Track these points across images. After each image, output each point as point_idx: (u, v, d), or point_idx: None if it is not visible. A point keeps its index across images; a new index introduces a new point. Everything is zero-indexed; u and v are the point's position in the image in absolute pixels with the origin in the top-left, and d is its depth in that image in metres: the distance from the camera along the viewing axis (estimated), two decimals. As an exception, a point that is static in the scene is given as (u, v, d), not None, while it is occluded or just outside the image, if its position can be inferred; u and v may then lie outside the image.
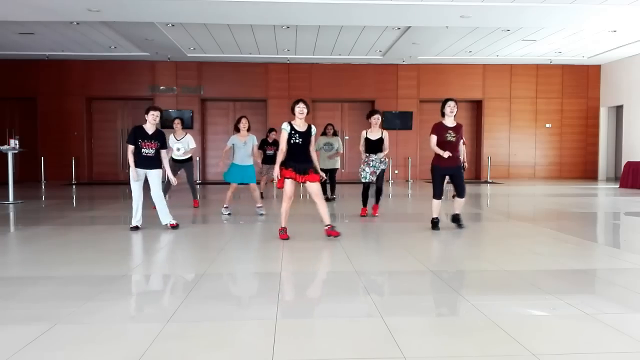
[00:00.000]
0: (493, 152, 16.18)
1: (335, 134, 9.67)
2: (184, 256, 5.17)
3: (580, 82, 16.30)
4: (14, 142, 9.67)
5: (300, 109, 5.42)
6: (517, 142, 16.36)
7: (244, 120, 7.46)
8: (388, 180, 15.24)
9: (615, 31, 12.04)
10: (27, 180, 14.75)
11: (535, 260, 4.65)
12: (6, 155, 9.64)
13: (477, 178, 16.33)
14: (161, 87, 15.60)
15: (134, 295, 3.74)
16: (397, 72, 15.97)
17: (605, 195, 11.36)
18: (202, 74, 15.60)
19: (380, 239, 6.01)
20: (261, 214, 7.51)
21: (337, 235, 5.49)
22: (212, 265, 4.43)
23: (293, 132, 5.41)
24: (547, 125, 16.40)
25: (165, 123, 13.09)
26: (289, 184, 5.41)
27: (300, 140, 5.41)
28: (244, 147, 7.36)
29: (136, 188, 6.15)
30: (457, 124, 6.19)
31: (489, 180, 15.36)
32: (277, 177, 5.41)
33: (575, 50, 14.40)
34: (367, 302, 3.32)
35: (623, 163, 14.22)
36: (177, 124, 8.49)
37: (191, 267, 4.57)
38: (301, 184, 5.55)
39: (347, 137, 15.99)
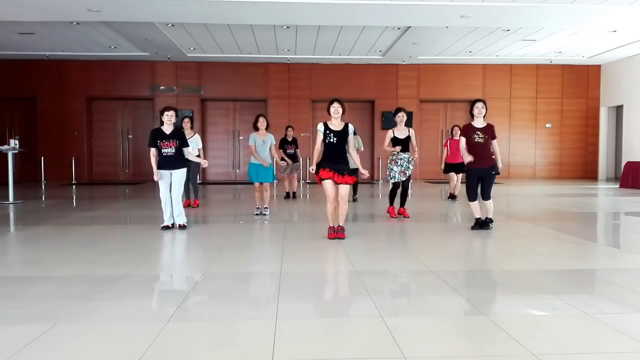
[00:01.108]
0: (493, 152, 16.16)
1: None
2: (184, 256, 5.17)
3: (580, 82, 16.30)
4: (14, 142, 9.66)
5: (335, 108, 5.42)
6: (517, 142, 16.36)
7: (261, 119, 7.42)
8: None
9: (615, 31, 12.04)
10: (27, 180, 14.75)
11: (535, 260, 4.65)
12: (6, 155, 9.64)
13: (477, 178, 16.31)
14: (161, 87, 15.60)
15: (134, 295, 3.74)
16: (397, 72, 15.97)
17: (605, 195, 11.36)
18: (202, 74, 15.60)
19: (380, 239, 6.00)
20: (257, 214, 7.49)
21: (342, 237, 5.50)
22: (212, 265, 4.43)
23: (328, 131, 5.41)
24: (547, 125, 16.39)
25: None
26: (328, 184, 5.40)
27: (336, 139, 5.40)
28: (262, 146, 7.35)
29: (162, 188, 6.20)
30: (487, 124, 6.12)
31: (489, 180, 15.35)
32: (313, 172, 5.49)
33: (575, 50, 14.40)
34: (367, 302, 3.32)
35: (623, 163, 14.22)
36: (186, 123, 8.47)
37: (191, 267, 4.57)
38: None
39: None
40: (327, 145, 5.45)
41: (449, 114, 16.38)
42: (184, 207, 8.00)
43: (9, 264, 4.63)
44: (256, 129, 7.41)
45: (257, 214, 7.50)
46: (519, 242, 5.52)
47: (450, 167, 9.63)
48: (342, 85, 15.76)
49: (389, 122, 15.93)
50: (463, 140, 6.15)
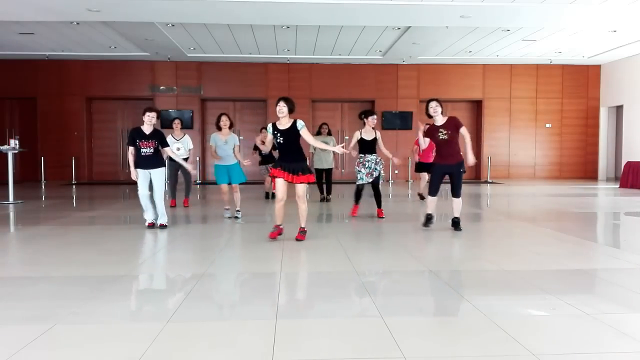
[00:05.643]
0: (493, 152, 16.19)
1: (329, 133, 9.68)
2: (184, 256, 5.16)
3: (580, 82, 16.30)
4: (14, 142, 9.67)
5: (280, 107, 5.27)
6: (517, 142, 16.36)
7: (224, 118, 7.16)
8: (388, 181, 15.24)
9: (615, 31, 12.04)
10: (27, 180, 14.75)
11: (535, 260, 4.65)
12: (6, 155, 9.64)
13: (477, 178, 16.32)
14: (161, 87, 15.60)
15: (134, 295, 3.74)
16: (397, 72, 15.97)
17: (605, 195, 11.36)
18: (202, 74, 15.60)
19: (380, 239, 6.00)
20: (228, 217, 7.29)
21: (302, 239, 5.44)
22: (212, 265, 4.43)
23: (276, 131, 5.34)
24: (547, 125, 16.39)
25: (165, 123, 13.13)
26: (279, 184, 5.34)
27: (282, 139, 5.30)
28: (225, 146, 7.09)
29: (141, 187, 6.19)
30: (448, 118, 6.06)
31: (489, 180, 15.36)
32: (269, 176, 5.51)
33: (575, 50, 14.40)
34: (367, 302, 3.32)
35: (623, 163, 14.22)
36: (176, 124, 8.59)
37: (191, 267, 4.57)
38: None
39: (347, 137, 15.98)
40: (278, 145, 5.39)
41: (449, 114, 16.34)
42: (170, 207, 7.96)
43: (9, 264, 4.63)
44: (219, 128, 7.17)
45: (228, 217, 7.26)
46: (519, 242, 5.52)
47: (422, 167, 9.60)
48: (342, 85, 15.78)
49: (388, 122, 16.00)
50: (422, 139, 6.27)
